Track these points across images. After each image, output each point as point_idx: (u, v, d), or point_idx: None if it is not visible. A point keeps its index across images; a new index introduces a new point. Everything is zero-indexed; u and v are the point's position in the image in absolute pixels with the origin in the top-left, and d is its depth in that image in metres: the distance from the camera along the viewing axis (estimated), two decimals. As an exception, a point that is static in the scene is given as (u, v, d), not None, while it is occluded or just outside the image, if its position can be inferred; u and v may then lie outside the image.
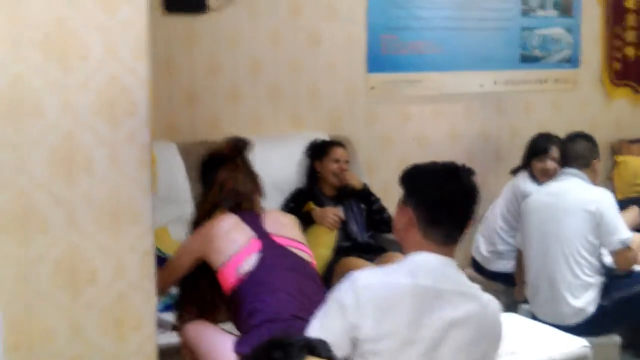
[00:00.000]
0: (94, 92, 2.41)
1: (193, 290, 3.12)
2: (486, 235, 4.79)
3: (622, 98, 5.90)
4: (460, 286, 2.30)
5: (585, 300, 3.93)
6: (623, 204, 4.65)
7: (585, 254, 3.93)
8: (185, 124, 4.54)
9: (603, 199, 3.95)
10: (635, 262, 4.03)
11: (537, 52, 5.56)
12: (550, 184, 4.18)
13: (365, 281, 2.24)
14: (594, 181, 4.08)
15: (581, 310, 3.92)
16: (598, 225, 3.90)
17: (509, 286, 4.49)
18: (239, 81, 4.67)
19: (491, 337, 2.36)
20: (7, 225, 2.36)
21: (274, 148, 4.61)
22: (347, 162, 4.48)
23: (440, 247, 2.30)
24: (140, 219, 2.50)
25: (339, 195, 4.47)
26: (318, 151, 4.50)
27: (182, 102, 4.54)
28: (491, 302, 2.37)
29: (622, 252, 3.93)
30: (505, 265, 4.62)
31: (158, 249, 3.53)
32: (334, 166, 4.42)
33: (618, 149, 5.70)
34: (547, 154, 4.60)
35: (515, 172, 4.79)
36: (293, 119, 4.83)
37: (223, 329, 2.95)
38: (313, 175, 4.50)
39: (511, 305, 4.35)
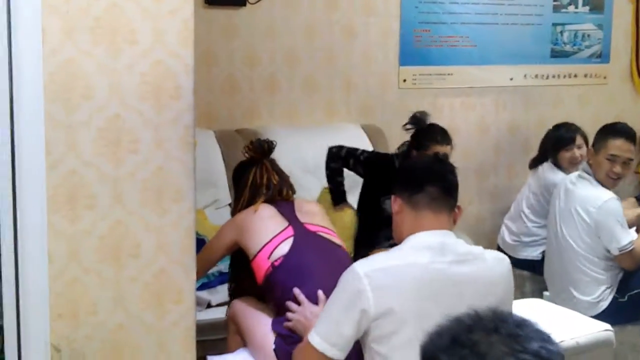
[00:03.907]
0: (140, 76, 2.52)
1: (239, 275, 3.23)
2: (511, 225, 4.88)
3: (652, 93, 5.96)
4: (460, 255, 2.38)
5: (596, 295, 3.97)
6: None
7: (590, 253, 3.97)
8: (223, 113, 4.68)
9: (602, 206, 3.90)
10: None
11: (567, 48, 5.63)
12: (574, 175, 4.20)
13: (365, 268, 2.32)
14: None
15: (593, 304, 3.97)
16: (595, 231, 3.92)
17: (535, 273, 4.57)
18: (275, 72, 4.80)
19: (500, 292, 2.42)
20: (58, 204, 2.48)
21: (308, 138, 4.73)
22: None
23: (432, 217, 2.41)
24: (184, 198, 2.61)
25: None
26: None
27: (220, 91, 4.68)
28: (498, 259, 2.47)
29: (623, 256, 3.91)
30: (531, 253, 4.71)
31: (196, 231, 3.67)
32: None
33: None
34: (574, 143, 4.69)
35: (534, 164, 4.87)
36: (327, 109, 4.94)
37: (266, 308, 3.06)
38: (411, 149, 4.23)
39: (537, 292, 4.44)
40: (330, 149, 4.31)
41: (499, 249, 4.89)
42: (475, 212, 5.46)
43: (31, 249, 2.45)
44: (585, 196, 3.96)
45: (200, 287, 3.72)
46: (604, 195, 3.92)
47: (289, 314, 2.81)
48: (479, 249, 2.46)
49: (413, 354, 2.28)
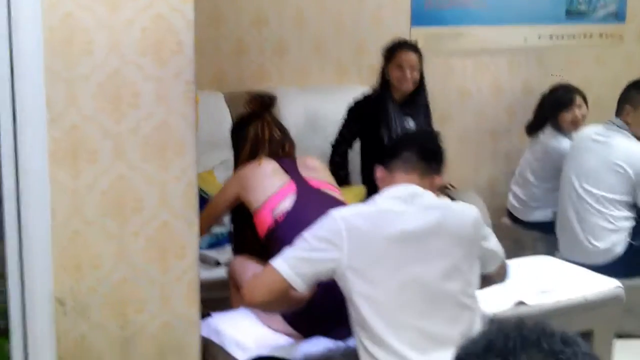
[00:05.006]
0: (141, 30, 2.51)
1: (241, 229, 3.25)
2: (517, 191, 4.88)
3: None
4: (428, 204, 2.54)
5: (611, 241, 4.02)
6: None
7: (615, 202, 4.02)
8: (232, 75, 4.67)
9: None
10: None
11: (582, 7, 5.55)
12: (595, 129, 4.25)
13: (342, 213, 2.50)
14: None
15: (607, 250, 4.01)
16: (633, 186, 4.03)
17: (547, 234, 4.57)
18: (284, 34, 4.78)
19: (467, 237, 2.55)
20: (60, 159, 2.49)
21: (319, 100, 4.73)
22: (414, 69, 4.25)
23: (403, 175, 2.60)
24: (185, 152, 2.61)
25: (408, 104, 4.33)
26: (387, 53, 4.34)
27: (229, 53, 4.67)
28: (464, 207, 2.63)
29: None
30: (541, 215, 4.70)
31: (204, 191, 3.69)
32: (397, 74, 4.28)
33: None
34: (574, 103, 4.66)
35: (531, 129, 4.84)
36: (337, 71, 4.92)
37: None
38: (384, 79, 4.34)
39: (549, 253, 4.43)
40: (332, 144, 4.38)
41: (509, 213, 4.90)
42: (489, 173, 5.43)
43: (34, 203, 2.47)
44: (628, 148, 4.12)
45: (209, 247, 3.75)
46: None
47: None
48: (447, 200, 2.70)
49: (387, 292, 2.38)
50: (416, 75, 4.29)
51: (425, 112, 4.45)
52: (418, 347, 2.39)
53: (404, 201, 2.53)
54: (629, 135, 4.16)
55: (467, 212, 2.60)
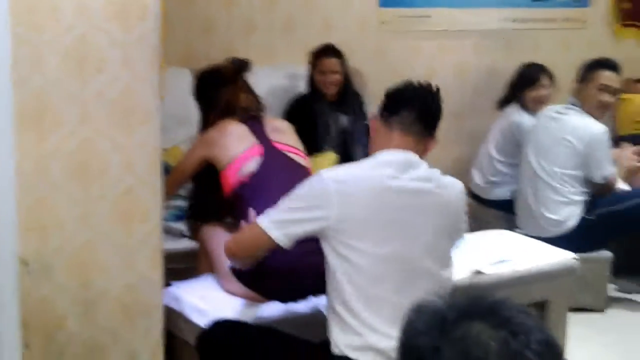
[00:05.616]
0: (106, -3, 2.55)
1: (202, 193, 3.29)
2: (480, 168, 4.96)
3: (631, 38, 5.98)
4: (421, 174, 2.51)
5: (564, 214, 4.13)
6: (624, 140, 4.84)
7: (567, 178, 4.13)
8: (200, 52, 4.71)
9: (595, 135, 4.20)
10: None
11: (547, -9, 5.65)
12: (555, 108, 4.37)
13: (332, 174, 2.48)
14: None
15: (560, 222, 4.12)
16: (585, 157, 4.15)
17: (507, 212, 4.66)
18: (253, 13, 4.84)
19: (454, 210, 2.58)
20: (25, 123, 2.50)
21: (286, 77, 4.79)
22: (336, 73, 4.50)
23: (400, 138, 2.54)
24: (150, 118, 2.64)
25: (340, 101, 4.55)
26: (311, 60, 4.59)
27: (198, 31, 4.73)
28: (453, 181, 2.61)
29: (603, 185, 4.20)
30: (502, 193, 4.80)
31: (170, 166, 3.72)
32: (320, 78, 4.52)
33: (624, 87, 5.79)
34: (539, 82, 4.77)
35: (501, 104, 4.94)
36: (305, 50, 4.95)
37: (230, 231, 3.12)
38: (313, 83, 4.59)
39: (511, 230, 4.52)
40: None
41: (471, 192, 4.99)
42: (454, 154, 5.50)
43: (-1, 166, 2.50)
44: (578, 125, 4.25)
45: (175, 219, 3.79)
46: (597, 126, 4.24)
47: None
48: (437, 172, 2.58)
49: (367, 262, 2.41)
50: (338, 77, 4.55)
51: (359, 105, 4.64)
52: (390, 320, 2.35)
53: (398, 169, 2.49)
54: (582, 112, 4.29)
55: (456, 186, 2.60)
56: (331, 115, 4.53)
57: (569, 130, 4.23)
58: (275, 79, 4.76)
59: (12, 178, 2.50)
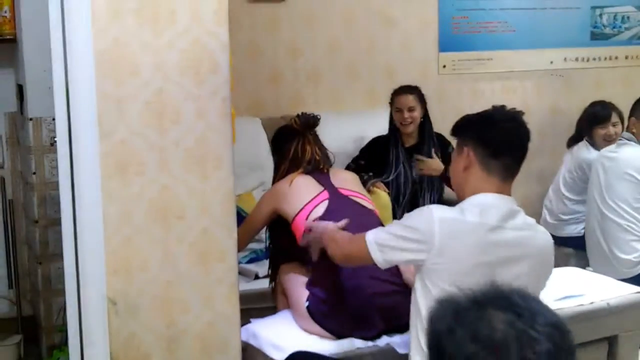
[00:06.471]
0: (180, 52, 2.75)
1: (277, 239, 3.44)
2: (550, 206, 5.02)
3: (692, 74, 6.00)
4: (522, 223, 2.57)
5: (636, 252, 4.12)
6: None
7: (635, 213, 4.14)
8: (269, 102, 4.92)
9: None
10: None
11: (607, 30, 5.73)
12: (610, 147, 4.42)
13: (441, 214, 2.52)
14: None
15: (634, 262, 4.11)
16: None
17: (579, 250, 4.70)
18: (317, 61, 5.03)
19: (549, 261, 2.64)
20: (112, 170, 2.71)
21: (351, 123, 4.94)
22: (412, 110, 4.48)
23: (500, 184, 2.55)
24: (223, 164, 2.81)
25: (419, 145, 4.55)
26: (391, 99, 4.60)
27: (266, 81, 4.93)
28: (545, 232, 2.66)
29: None
30: (573, 230, 4.84)
31: (243, 211, 3.90)
32: (397, 116, 4.54)
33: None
34: (609, 120, 4.81)
35: (571, 143, 5.00)
36: (369, 96, 5.14)
37: (305, 270, 3.27)
38: (392, 122, 4.59)
39: (582, 267, 4.55)
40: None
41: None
42: (522, 194, 5.55)
43: (88, 213, 2.69)
44: (634, 156, 4.25)
45: (249, 262, 3.95)
46: None
47: (305, 234, 3.04)
48: (533, 220, 2.65)
49: None
50: (416, 115, 4.51)
51: (443, 147, 4.58)
52: None
53: (501, 219, 2.51)
54: (637, 145, 4.32)
55: (548, 237, 2.66)
56: (405, 162, 4.53)
57: (629, 165, 4.27)
58: (341, 124, 4.90)
59: (99, 223, 2.70)
